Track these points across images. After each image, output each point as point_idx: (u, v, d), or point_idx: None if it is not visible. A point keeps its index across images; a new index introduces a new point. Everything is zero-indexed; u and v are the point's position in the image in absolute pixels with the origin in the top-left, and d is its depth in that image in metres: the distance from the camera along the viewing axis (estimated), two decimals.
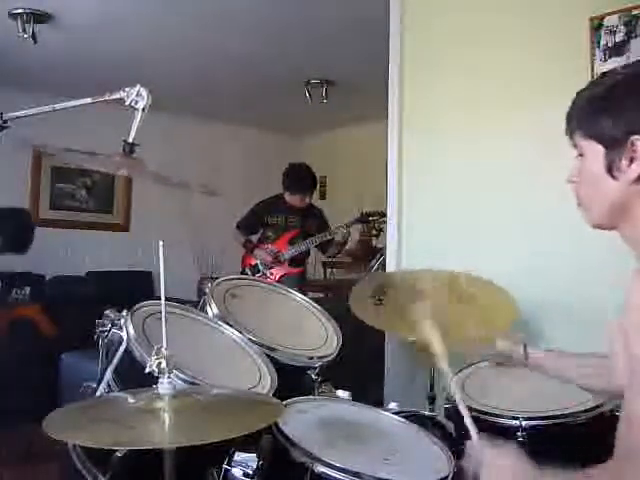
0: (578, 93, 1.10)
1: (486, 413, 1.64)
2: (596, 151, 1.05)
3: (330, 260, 5.80)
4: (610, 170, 1.04)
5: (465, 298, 2.10)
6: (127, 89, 1.46)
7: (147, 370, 1.16)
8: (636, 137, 1.00)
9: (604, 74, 1.09)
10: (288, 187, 4.29)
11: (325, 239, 4.21)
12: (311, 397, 1.68)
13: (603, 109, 1.03)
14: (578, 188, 1.12)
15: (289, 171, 4.34)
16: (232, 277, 2.16)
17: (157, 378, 1.16)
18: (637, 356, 0.93)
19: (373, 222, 4.37)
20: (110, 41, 4.25)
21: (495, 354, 1.65)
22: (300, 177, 4.29)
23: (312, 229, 4.28)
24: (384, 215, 4.18)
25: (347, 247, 4.56)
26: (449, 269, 2.21)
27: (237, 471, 1.28)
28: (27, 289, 4.75)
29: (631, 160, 1.01)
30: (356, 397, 1.70)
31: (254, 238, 4.42)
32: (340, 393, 1.72)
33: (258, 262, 4.23)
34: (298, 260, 4.30)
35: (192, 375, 1.45)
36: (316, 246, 4.33)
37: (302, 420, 1.45)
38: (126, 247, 6.04)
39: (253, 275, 4.08)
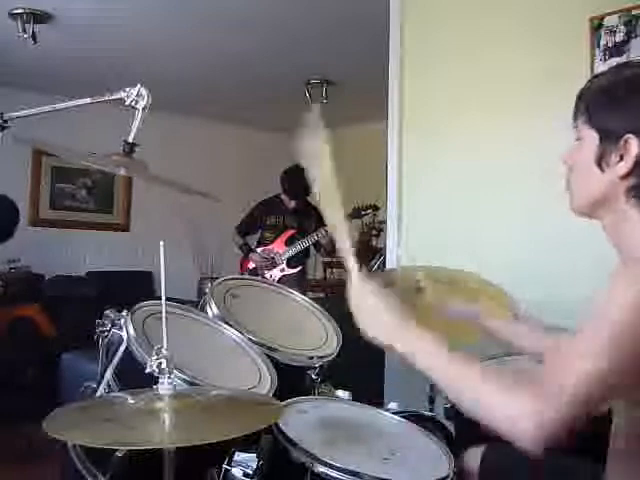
0: (594, 77, 1.10)
1: None
2: (593, 139, 1.06)
3: (330, 260, 5.80)
4: (599, 162, 1.04)
5: (465, 295, 2.10)
6: (127, 89, 1.46)
7: (147, 370, 1.16)
8: (630, 136, 1.00)
9: (624, 64, 1.09)
10: (282, 188, 4.31)
11: (314, 240, 4.21)
12: (311, 397, 1.68)
13: (609, 101, 1.03)
14: (569, 171, 1.13)
15: (286, 173, 4.35)
16: (232, 277, 2.16)
17: (157, 378, 1.16)
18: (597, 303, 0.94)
19: (370, 217, 4.36)
20: (109, 41, 4.25)
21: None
22: (293, 182, 4.31)
23: (310, 228, 4.28)
24: (377, 208, 4.20)
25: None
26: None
27: (237, 471, 1.28)
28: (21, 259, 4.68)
29: (621, 157, 1.01)
30: (356, 397, 1.70)
31: (254, 239, 4.43)
32: (340, 393, 1.72)
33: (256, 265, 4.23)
34: (297, 260, 4.29)
35: (192, 375, 1.45)
36: (314, 246, 4.34)
37: (302, 420, 1.46)
38: (126, 247, 6.04)
39: None
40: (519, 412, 0.89)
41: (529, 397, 0.89)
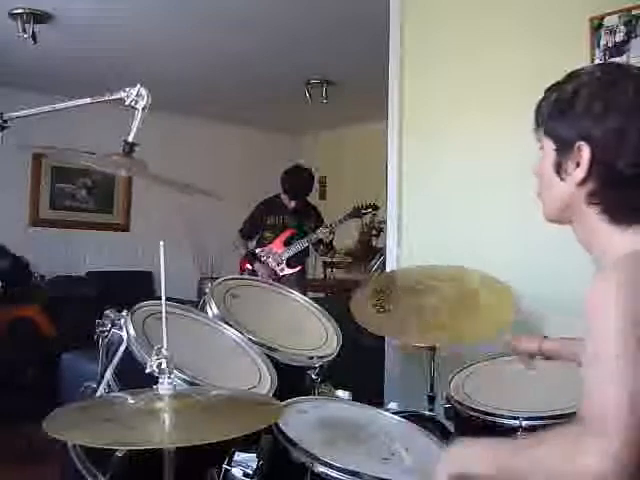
0: (546, 90, 1.12)
1: (486, 413, 1.64)
2: (550, 149, 1.09)
3: (330, 260, 5.80)
4: (558, 170, 1.08)
5: (467, 295, 2.10)
6: (127, 89, 1.45)
7: (147, 370, 1.16)
8: (582, 143, 1.02)
9: (572, 73, 1.10)
10: (282, 188, 4.33)
11: (315, 239, 4.21)
12: (311, 397, 1.68)
13: (561, 111, 1.06)
14: (538, 181, 1.16)
15: (286, 173, 4.35)
16: (232, 277, 2.16)
17: (157, 378, 1.16)
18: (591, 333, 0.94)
19: (370, 217, 4.35)
20: (109, 41, 4.25)
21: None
22: (293, 182, 4.31)
23: (310, 228, 4.29)
24: (377, 207, 4.21)
25: (336, 246, 4.54)
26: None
27: (237, 471, 1.28)
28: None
29: (577, 164, 1.04)
30: (356, 397, 1.70)
31: (254, 239, 4.42)
32: (340, 393, 1.72)
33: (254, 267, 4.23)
34: (297, 260, 4.29)
35: (192, 375, 1.45)
36: (313, 245, 4.34)
37: (302, 420, 1.46)
38: (126, 247, 6.04)
39: None
40: (586, 457, 0.86)
41: (587, 438, 0.87)
